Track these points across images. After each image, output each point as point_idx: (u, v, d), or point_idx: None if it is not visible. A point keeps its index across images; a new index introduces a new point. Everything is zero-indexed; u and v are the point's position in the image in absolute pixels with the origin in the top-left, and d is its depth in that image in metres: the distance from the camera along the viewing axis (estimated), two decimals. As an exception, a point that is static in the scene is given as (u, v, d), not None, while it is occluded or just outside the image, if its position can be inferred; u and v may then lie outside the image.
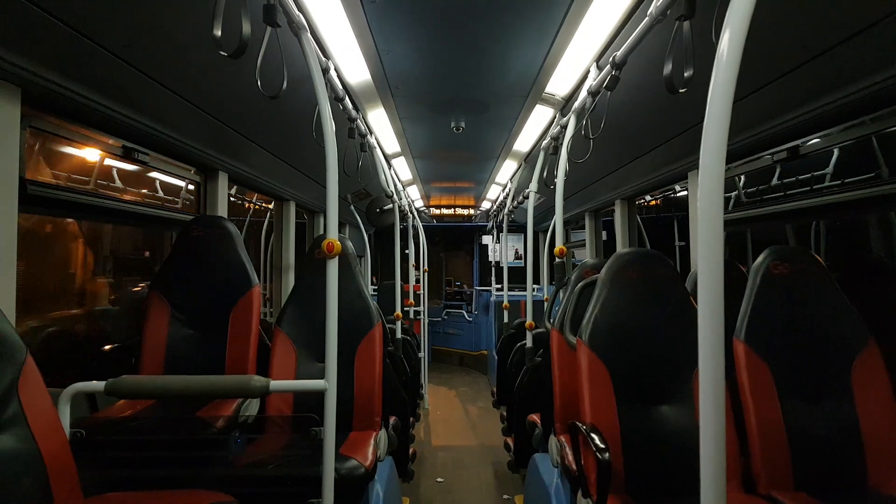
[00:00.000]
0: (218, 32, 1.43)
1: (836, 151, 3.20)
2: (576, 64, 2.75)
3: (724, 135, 0.98)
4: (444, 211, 10.19)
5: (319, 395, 1.89)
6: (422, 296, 7.33)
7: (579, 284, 2.87)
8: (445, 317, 10.36)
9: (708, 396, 0.99)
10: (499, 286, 7.78)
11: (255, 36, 1.57)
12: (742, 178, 4.06)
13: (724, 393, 0.99)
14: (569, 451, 2.41)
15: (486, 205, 9.05)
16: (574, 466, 2.25)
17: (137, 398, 2.35)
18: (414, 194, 7.91)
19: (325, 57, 2.30)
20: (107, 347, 2.76)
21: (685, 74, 1.57)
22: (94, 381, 1.86)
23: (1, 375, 1.51)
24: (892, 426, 2.09)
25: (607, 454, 1.91)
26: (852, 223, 3.78)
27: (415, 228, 6.75)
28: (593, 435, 2.02)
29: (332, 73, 2.41)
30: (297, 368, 2.81)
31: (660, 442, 2.19)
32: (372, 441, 2.60)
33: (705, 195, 1.01)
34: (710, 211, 1.01)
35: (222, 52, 1.46)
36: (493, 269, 9.32)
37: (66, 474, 1.67)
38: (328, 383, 1.88)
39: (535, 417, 3.32)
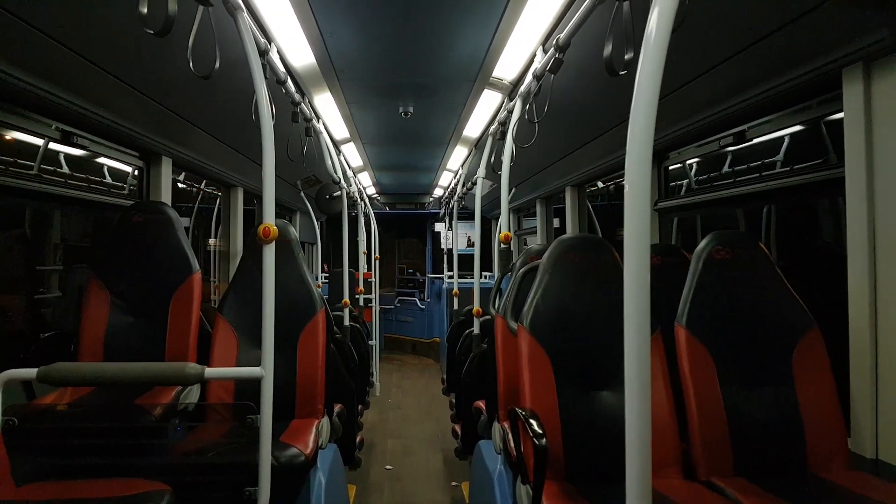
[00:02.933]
0: (144, 9, 1.39)
1: (786, 139, 3.26)
2: (522, 48, 2.78)
3: (653, 112, 0.98)
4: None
5: (259, 383, 1.88)
6: (373, 283, 7.30)
7: (521, 270, 2.89)
8: (398, 304, 10.35)
9: (633, 384, 1.00)
10: (451, 273, 7.81)
11: (189, 14, 1.54)
12: (694, 166, 4.14)
13: (650, 380, 1.00)
14: (511, 437, 2.39)
15: (438, 192, 9.05)
16: (515, 453, 2.25)
17: (71, 385, 2.29)
18: (366, 181, 7.85)
19: (265, 39, 2.26)
20: (46, 335, 2.69)
21: (626, 57, 1.58)
22: (27, 369, 1.80)
23: None
24: (832, 412, 2.09)
25: (544, 440, 1.89)
26: (802, 212, 3.88)
27: (366, 216, 6.70)
28: (531, 420, 2.00)
29: (274, 54, 2.38)
30: (238, 355, 2.77)
31: (600, 428, 2.17)
32: (314, 429, 2.58)
33: (632, 177, 1.01)
34: (638, 194, 1.01)
35: (148, 30, 1.42)
36: (445, 256, 9.35)
37: (-3, 462, 1.64)
38: (264, 370, 1.86)
39: (481, 404, 3.31)
